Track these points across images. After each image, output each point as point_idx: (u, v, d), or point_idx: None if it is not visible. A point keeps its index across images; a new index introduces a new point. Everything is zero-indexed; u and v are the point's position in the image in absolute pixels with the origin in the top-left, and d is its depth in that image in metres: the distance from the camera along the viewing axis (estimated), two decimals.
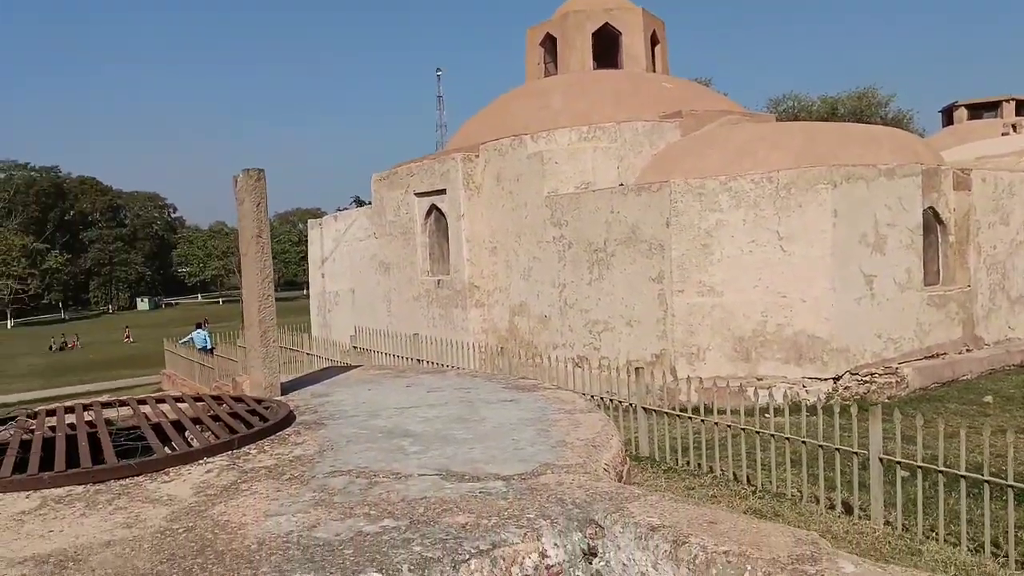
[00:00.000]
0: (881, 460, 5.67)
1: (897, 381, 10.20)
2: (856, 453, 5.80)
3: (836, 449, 5.93)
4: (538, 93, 16.56)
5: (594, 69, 17.35)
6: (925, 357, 10.80)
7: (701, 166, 11.59)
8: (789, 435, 6.23)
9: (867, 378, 10.08)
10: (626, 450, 7.56)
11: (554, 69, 18.15)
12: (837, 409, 6.03)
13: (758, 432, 6.44)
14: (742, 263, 10.61)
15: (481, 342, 13.21)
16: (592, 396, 8.40)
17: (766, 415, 6.84)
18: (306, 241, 22.13)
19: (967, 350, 11.40)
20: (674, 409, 7.69)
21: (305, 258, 27.13)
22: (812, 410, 6.30)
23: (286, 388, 4.00)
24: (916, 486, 5.57)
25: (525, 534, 1.92)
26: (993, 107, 28.26)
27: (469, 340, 12.67)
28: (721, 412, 6.94)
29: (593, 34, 17.46)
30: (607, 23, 17.46)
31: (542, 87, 16.94)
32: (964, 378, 10.76)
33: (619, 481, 4.42)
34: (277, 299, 4.04)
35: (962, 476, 5.18)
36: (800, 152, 11.13)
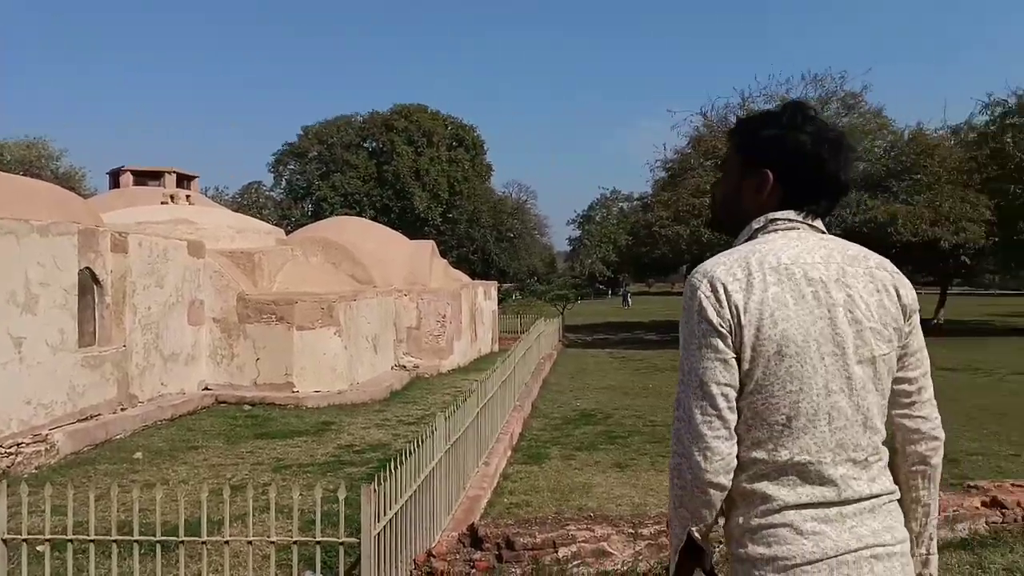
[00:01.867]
0: (5, 541, 5.19)
1: (47, 448, 9.64)
2: None
3: None
4: None
5: None
6: (79, 420, 10.57)
7: None
8: None
9: (12, 449, 9.21)
10: None
11: None
12: None
13: None
14: None
15: None
16: None
17: None
18: None
19: (122, 409, 11.68)
20: None
21: None
22: None
23: None
24: (57, 560, 5.29)
25: None
26: (158, 176, 30.28)
27: None
28: None
29: None
30: None
31: None
32: (118, 437, 10.94)
33: None
34: None
35: (91, 541, 5.17)
36: None
